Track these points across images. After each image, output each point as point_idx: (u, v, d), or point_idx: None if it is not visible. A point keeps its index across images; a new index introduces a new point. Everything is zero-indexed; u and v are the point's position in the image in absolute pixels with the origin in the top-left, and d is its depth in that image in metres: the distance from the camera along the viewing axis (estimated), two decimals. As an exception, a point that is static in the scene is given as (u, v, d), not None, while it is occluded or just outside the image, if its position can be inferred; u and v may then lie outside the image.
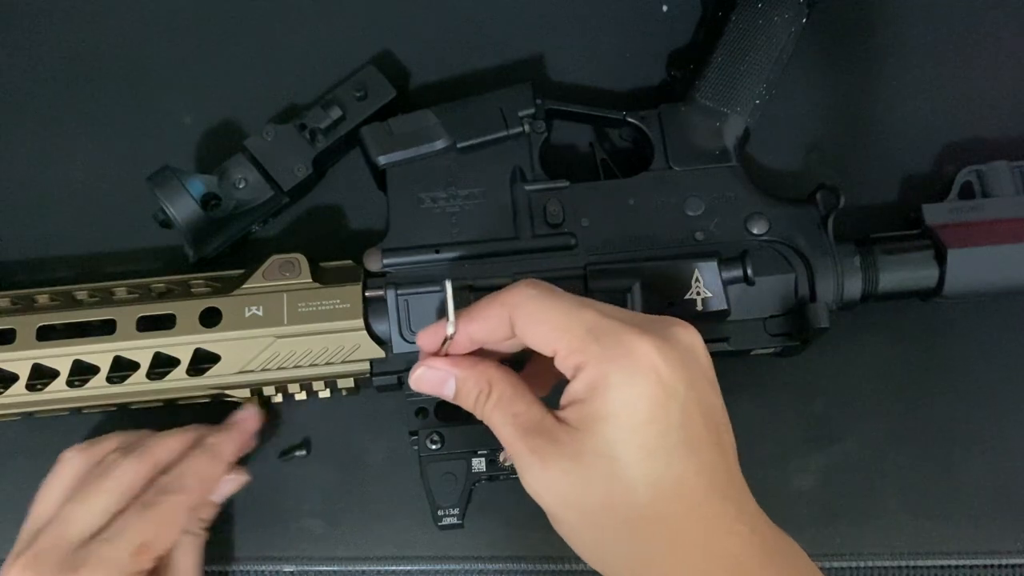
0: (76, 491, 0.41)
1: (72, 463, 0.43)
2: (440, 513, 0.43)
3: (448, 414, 0.45)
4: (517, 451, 0.34)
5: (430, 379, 0.37)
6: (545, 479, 0.33)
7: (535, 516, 0.48)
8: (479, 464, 0.44)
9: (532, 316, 0.34)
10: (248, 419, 0.47)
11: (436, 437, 0.44)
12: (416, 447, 0.45)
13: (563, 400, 0.34)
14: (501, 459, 0.44)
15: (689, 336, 0.35)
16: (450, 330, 0.36)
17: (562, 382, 0.35)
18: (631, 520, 0.32)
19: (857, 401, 0.50)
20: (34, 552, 0.39)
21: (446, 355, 0.37)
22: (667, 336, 0.34)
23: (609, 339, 0.33)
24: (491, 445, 0.44)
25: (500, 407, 0.35)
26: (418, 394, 0.40)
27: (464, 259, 0.46)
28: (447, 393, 0.37)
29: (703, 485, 0.33)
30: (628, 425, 0.32)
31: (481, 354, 0.38)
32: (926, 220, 0.47)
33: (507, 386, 0.36)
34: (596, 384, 0.33)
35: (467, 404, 0.37)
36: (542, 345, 0.34)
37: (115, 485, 0.41)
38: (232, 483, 0.46)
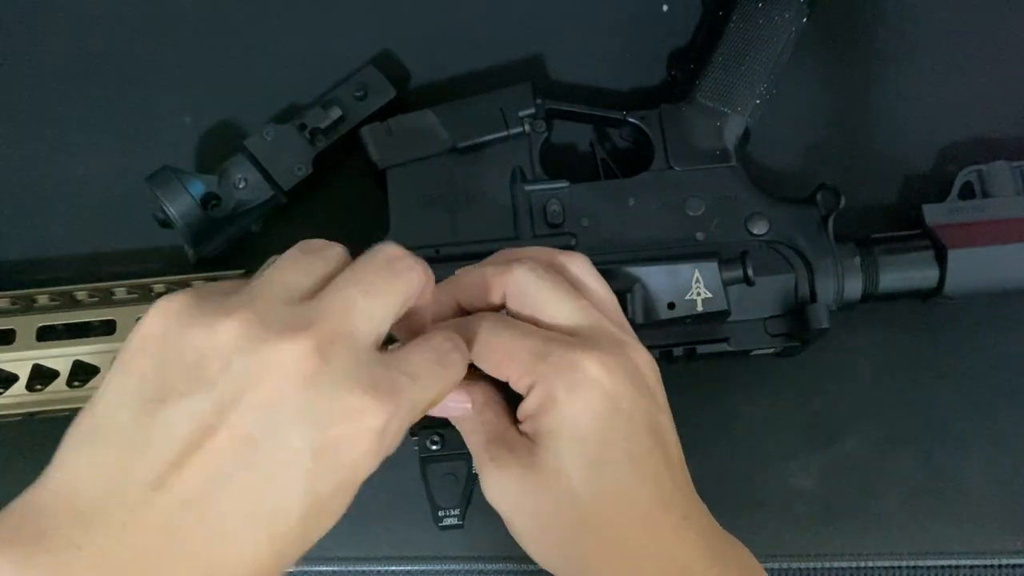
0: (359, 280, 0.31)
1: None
2: (441, 514, 0.43)
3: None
4: (479, 458, 0.36)
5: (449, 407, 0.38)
6: (500, 486, 0.35)
7: (535, 516, 0.49)
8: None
9: (487, 346, 0.35)
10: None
11: (436, 438, 0.44)
12: (416, 447, 0.45)
13: (518, 415, 0.36)
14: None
15: (638, 355, 0.36)
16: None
17: None
18: (577, 527, 0.34)
19: (857, 401, 0.50)
20: (320, 339, 0.28)
21: None
22: (612, 352, 0.35)
23: (554, 357, 0.34)
24: None
25: (471, 416, 0.37)
26: None
27: (464, 259, 0.46)
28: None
29: (646, 494, 0.34)
30: (573, 438, 0.33)
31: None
32: (926, 220, 0.47)
33: (480, 395, 0.37)
34: (543, 400, 0.34)
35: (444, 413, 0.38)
36: (496, 371, 0.36)
37: (405, 287, 0.32)
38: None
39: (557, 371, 0.34)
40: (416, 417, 0.31)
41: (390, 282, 0.31)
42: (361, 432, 0.28)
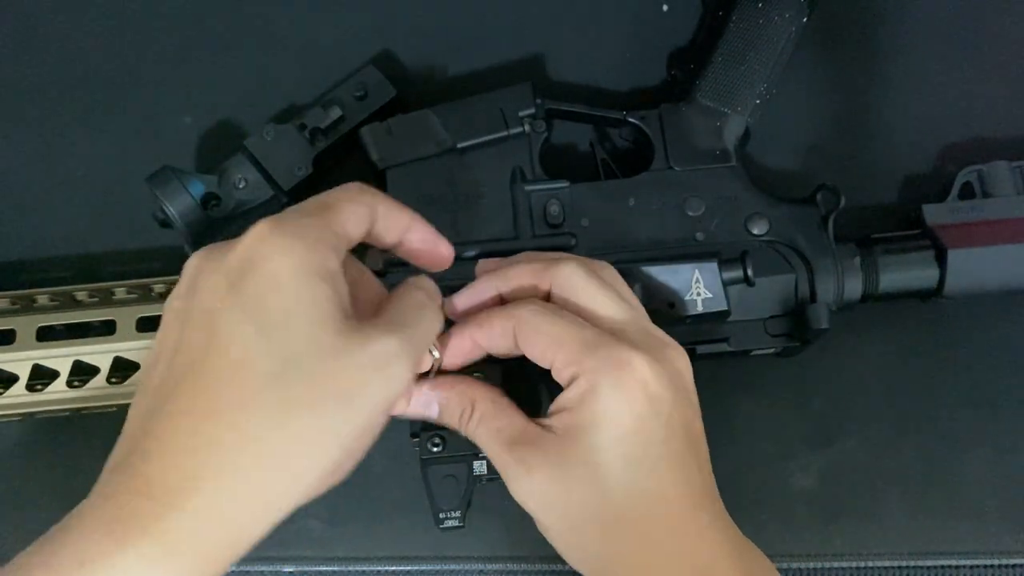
0: None
1: None
2: (442, 516, 0.43)
3: None
4: (503, 463, 0.36)
5: (414, 403, 0.38)
6: (530, 485, 0.35)
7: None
8: (480, 467, 0.44)
9: (534, 330, 0.36)
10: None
11: (437, 440, 0.44)
12: (417, 449, 0.45)
13: (553, 407, 0.36)
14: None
15: (680, 359, 0.37)
16: (435, 354, 0.38)
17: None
18: (607, 524, 0.34)
19: (857, 401, 0.50)
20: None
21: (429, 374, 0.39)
22: (659, 355, 0.35)
23: (603, 352, 0.34)
24: None
25: (484, 424, 0.37)
26: None
27: (464, 259, 0.46)
28: (431, 415, 0.39)
29: (678, 495, 0.34)
30: (613, 434, 0.34)
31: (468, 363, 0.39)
32: (926, 220, 0.47)
33: (488, 403, 0.37)
34: (586, 393, 0.34)
35: (452, 423, 0.38)
36: (541, 357, 0.36)
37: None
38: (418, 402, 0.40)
39: (605, 366, 0.34)
40: (325, 217, 0.33)
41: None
42: (258, 243, 0.31)
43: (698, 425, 0.37)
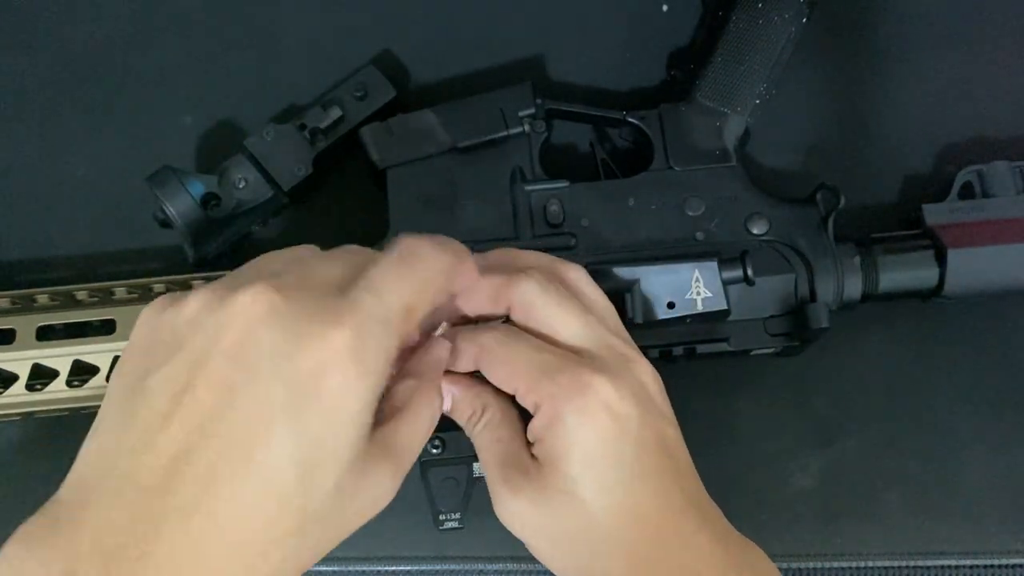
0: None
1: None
2: (441, 517, 0.43)
3: (449, 418, 0.45)
4: (492, 478, 0.36)
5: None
6: (515, 508, 0.35)
7: (535, 516, 0.48)
8: (481, 469, 0.44)
9: (495, 358, 0.36)
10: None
11: (437, 442, 0.44)
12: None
13: (528, 435, 0.36)
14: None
15: (644, 371, 0.36)
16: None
17: None
18: (593, 546, 0.34)
19: (857, 401, 0.50)
20: (280, 280, 0.29)
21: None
22: (621, 371, 0.35)
23: (563, 377, 0.34)
24: None
25: (488, 429, 0.37)
26: None
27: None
28: (445, 406, 0.38)
29: (658, 508, 0.34)
30: (584, 461, 0.34)
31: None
32: (926, 220, 0.47)
33: (497, 411, 0.37)
34: (552, 422, 0.34)
35: (460, 420, 0.38)
36: (503, 384, 0.36)
37: (343, 249, 0.34)
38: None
39: (566, 392, 0.34)
40: (396, 332, 0.30)
41: (344, 252, 0.33)
42: (330, 356, 0.28)
43: (671, 432, 0.36)
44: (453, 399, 0.38)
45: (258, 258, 0.33)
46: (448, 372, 0.38)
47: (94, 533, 0.26)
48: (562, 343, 0.36)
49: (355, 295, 0.30)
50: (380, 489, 0.31)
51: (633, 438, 0.34)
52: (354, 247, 0.35)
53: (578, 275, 0.38)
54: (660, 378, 0.37)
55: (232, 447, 0.27)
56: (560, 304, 0.36)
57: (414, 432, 0.33)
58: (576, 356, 0.35)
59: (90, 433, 0.30)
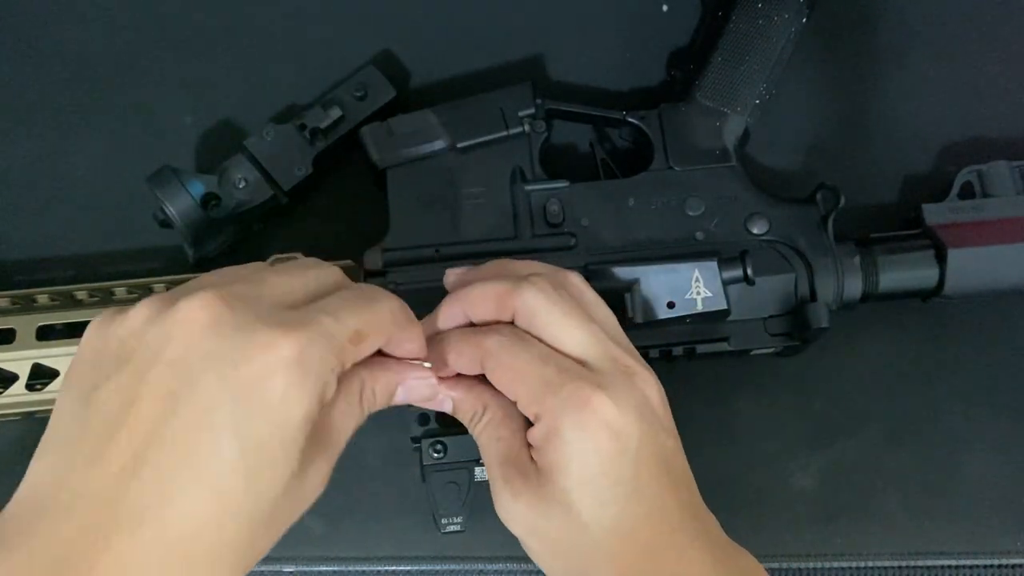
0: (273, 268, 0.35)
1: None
2: (444, 521, 0.43)
3: (451, 420, 0.45)
4: (493, 476, 0.36)
5: (430, 402, 0.39)
6: (513, 509, 0.35)
7: (535, 516, 0.48)
8: (482, 473, 0.44)
9: (498, 364, 0.36)
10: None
11: (439, 446, 0.44)
12: (418, 446, 0.45)
13: (528, 439, 0.36)
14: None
15: (648, 384, 0.36)
16: (427, 365, 0.38)
17: None
18: (586, 555, 0.34)
19: (857, 401, 0.50)
20: (229, 290, 0.30)
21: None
22: (624, 386, 0.35)
23: (564, 391, 0.34)
24: None
25: (489, 428, 0.37)
26: None
27: (464, 259, 0.46)
28: (445, 409, 0.39)
29: (653, 523, 0.34)
30: (581, 477, 0.34)
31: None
32: (926, 220, 0.47)
33: (498, 409, 0.37)
34: (551, 435, 0.34)
35: (463, 420, 0.39)
36: (506, 391, 0.36)
37: (301, 269, 0.35)
38: (426, 388, 0.38)
39: (566, 407, 0.34)
40: (343, 351, 0.31)
41: (303, 268, 0.34)
42: (274, 365, 0.29)
43: (671, 444, 0.36)
44: (454, 400, 0.38)
45: (211, 272, 0.34)
46: (454, 376, 0.38)
47: (43, 547, 0.27)
48: (565, 352, 0.36)
49: (309, 313, 0.31)
50: (318, 479, 0.32)
51: (632, 455, 0.34)
52: (311, 262, 0.36)
53: (579, 281, 0.38)
54: (662, 387, 0.37)
55: (179, 456, 0.28)
56: (564, 313, 0.36)
57: (347, 416, 0.34)
58: (578, 368, 0.35)
59: (40, 447, 0.30)
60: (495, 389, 0.37)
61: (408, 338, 0.36)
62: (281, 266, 0.35)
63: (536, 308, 0.36)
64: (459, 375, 0.38)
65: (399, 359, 0.37)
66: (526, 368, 0.35)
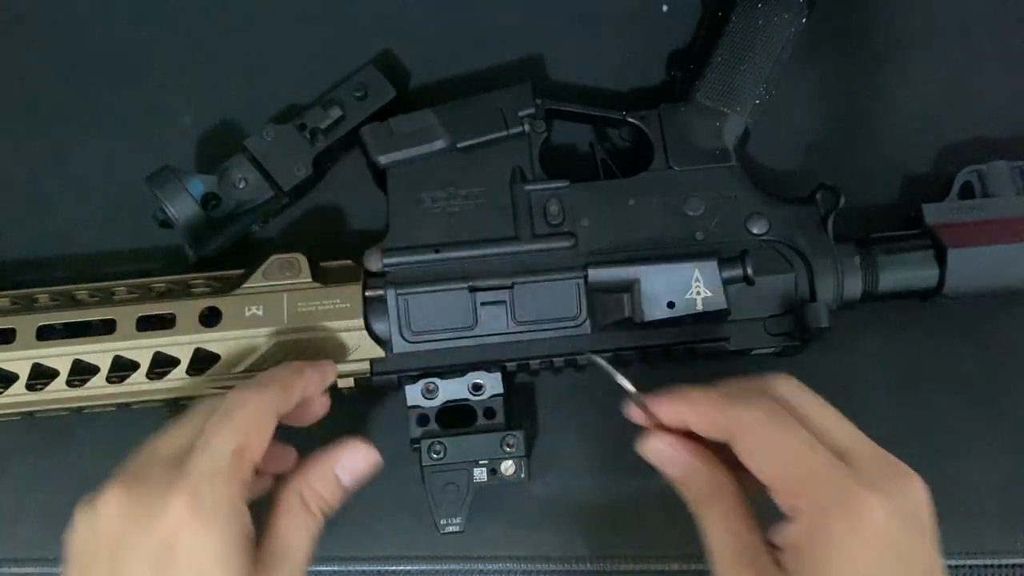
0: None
1: None
2: (443, 522, 0.44)
3: (450, 422, 0.45)
4: (722, 573, 0.34)
5: (664, 456, 0.38)
6: None
7: (535, 516, 0.49)
8: (481, 474, 0.44)
9: (757, 443, 0.34)
10: (327, 364, 0.43)
11: (438, 447, 0.44)
12: (418, 453, 0.45)
13: (778, 540, 0.34)
14: (504, 470, 0.44)
15: (918, 489, 0.34)
16: (631, 389, 0.38)
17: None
18: None
19: (857, 401, 0.50)
20: (128, 472, 0.36)
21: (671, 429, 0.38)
22: (896, 490, 0.33)
23: (834, 488, 0.32)
24: (493, 455, 0.44)
25: (723, 520, 0.35)
26: (418, 404, 0.45)
27: (464, 259, 0.46)
28: (671, 474, 0.37)
29: None
30: None
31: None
32: (926, 220, 0.47)
33: (733, 501, 0.35)
34: (815, 536, 0.32)
35: (687, 495, 0.37)
36: (759, 472, 0.34)
37: (193, 413, 0.39)
38: (362, 458, 0.40)
39: (837, 507, 0.32)
40: (232, 477, 0.35)
41: (192, 413, 0.38)
42: (174, 525, 0.33)
43: (935, 556, 0.34)
44: (684, 469, 0.36)
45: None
46: (680, 432, 0.37)
47: None
48: (830, 442, 0.34)
49: (189, 459, 0.35)
50: None
51: (903, 565, 0.32)
52: (204, 404, 0.39)
53: (805, 390, 0.37)
54: (929, 495, 0.34)
55: None
56: (822, 407, 0.35)
57: (295, 528, 0.37)
58: (843, 463, 0.33)
59: None
60: (729, 475, 0.35)
61: (290, 398, 0.39)
62: (175, 419, 0.38)
63: (795, 393, 0.35)
64: (687, 438, 0.36)
65: (335, 450, 0.39)
66: (791, 453, 0.33)
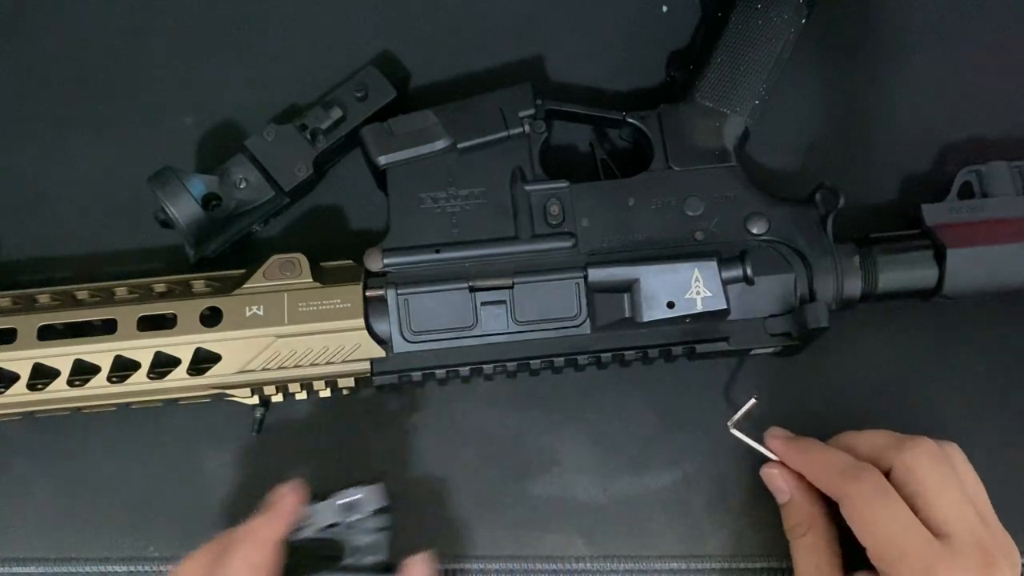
0: None
1: None
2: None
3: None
4: None
5: (774, 484, 0.44)
6: None
7: (535, 516, 0.49)
8: None
9: (857, 514, 0.38)
10: (286, 495, 0.43)
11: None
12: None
13: None
14: None
15: (1011, 565, 0.37)
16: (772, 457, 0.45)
17: None
18: None
19: (857, 401, 0.50)
20: None
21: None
22: (992, 570, 0.36)
23: (918, 568, 0.35)
24: None
25: (810, 549, 0.40)
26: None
27: (464, 259, 0.46)
28: (778, 500, 0.44)
29: None
30: None
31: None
32: (926, 220, 0.47)
33: (823, 535, 0.40)
34: None
35: (785, 522, 0.43)
36: (860, 538, 0.38)
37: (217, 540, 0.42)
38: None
39: None
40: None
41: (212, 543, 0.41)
42: None
43: None
44: (788, 502, 0.43)
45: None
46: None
47: None
48: (931, 522, 0.37)
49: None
50: None
51: None
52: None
53: (963, 458, 0.40)
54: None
55: None
56: (943, 482, 0.38)
57: None
58: (936, 546, 0.36)
59: None
60: (826, 512, 0.40)
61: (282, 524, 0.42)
62: (202, 549, 0.41)
63: (917, 468, 0.38)
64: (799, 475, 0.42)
65: None
66: (884, 531, 0.36)
